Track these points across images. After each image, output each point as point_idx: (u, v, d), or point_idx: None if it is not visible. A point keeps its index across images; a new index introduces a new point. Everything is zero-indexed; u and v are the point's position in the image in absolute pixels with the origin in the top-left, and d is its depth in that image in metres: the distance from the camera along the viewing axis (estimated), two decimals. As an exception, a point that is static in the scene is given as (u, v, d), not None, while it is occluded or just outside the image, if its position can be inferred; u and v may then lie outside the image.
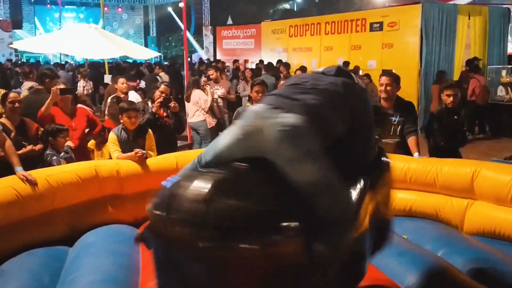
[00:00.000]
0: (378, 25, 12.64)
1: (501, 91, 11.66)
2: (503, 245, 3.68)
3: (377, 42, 12.58)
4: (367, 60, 12.78)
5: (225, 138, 2.38)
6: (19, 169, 3.81)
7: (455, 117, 4.89)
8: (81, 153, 5.18)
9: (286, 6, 39.38)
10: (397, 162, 4.35)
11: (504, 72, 11.85)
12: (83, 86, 10.70)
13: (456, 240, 3.78)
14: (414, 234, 3.95)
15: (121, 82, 6.86)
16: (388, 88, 4.66)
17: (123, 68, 14.56)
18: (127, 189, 4.45)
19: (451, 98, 4.83)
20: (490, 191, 3.86)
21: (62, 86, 5.27)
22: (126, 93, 6.85)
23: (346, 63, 12.35)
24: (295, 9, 35.71)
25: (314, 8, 31.33)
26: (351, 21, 13.44)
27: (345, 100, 2.33)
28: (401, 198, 4.35)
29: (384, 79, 4.71)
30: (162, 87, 5.50)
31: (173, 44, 34.72)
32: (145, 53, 10.40)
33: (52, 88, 5.05)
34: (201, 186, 2.02)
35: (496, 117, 11.08)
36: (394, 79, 4.74)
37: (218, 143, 2.42)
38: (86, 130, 5.54)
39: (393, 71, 5.16)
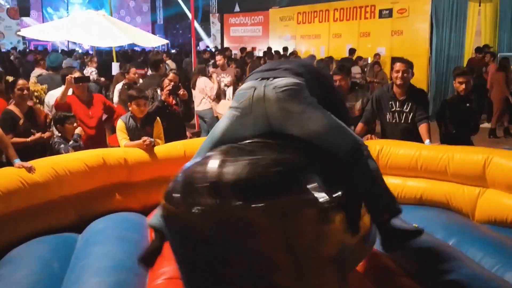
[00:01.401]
0: (387, 11, 12.51)
1: (512, 80, 11.52)
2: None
3: (387, 29, 12.46)
4: (376, 47, 12.67)
5: (223, 122, 2.43)
6: (16, 161, 3.79)
7: (467, 104, 4.82)
8: (99, 141, 5.13)
9: (295, -6, 39.10)
10: (408, 150, 4.33)
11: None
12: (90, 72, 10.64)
13: (468, 229, 3.73)
14: (425, 222, 3.86)
15: (133, 72, 6.77)
16: (405, 74, 4.60)
17: (131, 56, 14.53)
18: (135, 177, 4.44)
19: (463, 86, 4.76)
20: (502, 179, 3.80)
21: (77, 75, 5.22)
22: (136, 83, 6.79)
23: (353, 50, 12.27)
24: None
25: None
26: (360, 7, 13.30)
27: (317, 76, 2.55)
28: (411, 186, 4.32)
29: (400, 66, 4.65)
30: (171, 75, 5.47)
31: (180, 32, 34.56)
32: (153, 41, 10.35)
33: (67, 77, 5.00)
34: (210, 160, 2.04)
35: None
36: (409, 66, 4.69)
37: (216, 130, 2.46)
38: (104, 117, 5.50)
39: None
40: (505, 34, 12.35)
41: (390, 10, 12.40)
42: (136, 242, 3.61)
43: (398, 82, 4.62)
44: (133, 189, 4.43)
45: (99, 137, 5.28)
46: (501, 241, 3.46)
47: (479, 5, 11.93)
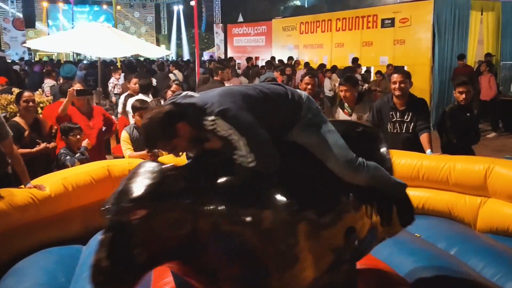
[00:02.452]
0: (389, 21, 12.57)
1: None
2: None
3: (389, 38, 12.52)
4: (378, 56, 12.73)
5: None
6: (28, 184, 3.85)
7: (468, 114, 4.85)
8: (99, 152, 5.21)
9: (297, 2, 39.32)
10: (409, 159, 4.36)
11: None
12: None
13: (470, 239, 3.75)
14: (427, 232, 3.93)
15: (134, 83, 6.88)
16: (402, 85, 4.64)
17: (135, 66, 14.63)
18: (139, 187, 4.47)
19: (463, 95, 4.80)
20: (503, 188, 3.82)
21: (78, 87, 5.29)
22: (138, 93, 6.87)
23: (356, 59, 12.32)
24: (306, 6, 35.64)
25: (325, 4, 31.23)
26: (362, 17, 13.37)
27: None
28: (413, 195, 4.25)
29: (397, 77, 4.69)
30: (174, 86, 5.54)
31: (186, 42, 34.80)
32: (157, 51, 10.44)
33: (69, 90, 5.08)
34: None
35: (509, 114, 10.96)
36: (407, 76, 4.73)
37: None
38: (103, 129, 5.58)
39: (405, 67, 5.13)
40: (507, 42, 12.40)
41: (393, 20, 12.46)
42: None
43: (397, 93, 4.67)
44: (138, 200, 4.47)
45: (99, 147, 5.37)
46: (502, 251, 3.48)
47: (481, 14, 11.98)
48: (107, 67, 14.20)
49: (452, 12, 11.45)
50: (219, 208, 2.17)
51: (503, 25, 12.24)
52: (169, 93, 5.45)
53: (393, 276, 3.19)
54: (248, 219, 2.16)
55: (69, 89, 5.08)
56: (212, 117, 2.21)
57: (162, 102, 5.51)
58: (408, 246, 3.49)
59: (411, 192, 4.28)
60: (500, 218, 3.84)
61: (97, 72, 10.44)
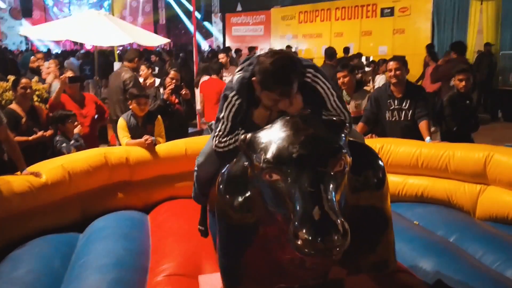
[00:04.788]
0: (389, 10, 12.51)
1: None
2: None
3: (388, 27, 12.46)
4: (378, 46, 12.67)
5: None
6: (24, 171, 3.81)
7: (467, 101, 4.82)
8: (92, 140, 5.20)
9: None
10: (408, 147, 4.34)
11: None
12: None
13: (468, 226, 3.73)
14: (425, 219, 3.92)
15: (142, 69, 6.64)
16: (397, 72, 4.60)
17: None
18: (136, 175, 4.47)
19: (463, 83, 4.76)
20: (503, 176, 3.79)
21: (70, 74, 5.26)
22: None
23: (347, 49, 12.12)
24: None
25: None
26: (362, 6, 13.30)
27: None
28: (412, 183, 4.33)
29: (393, 64, 4.65)
30: (172, 73, 5.48)
31: (183, 31, 34.55)
32: (155, 40, 10.34)
33: (61, 77, 5.06)
34: None
35: (509, 103, 10.93)
36: (403, 63, 4.69)
37: (209, 142, 2.60)
38: (95, 117, 5.54)
39: (405, 57, 5.08)
40: (507, 32, 12.28)
41: (392, 9, 12.40)
42: (136, 239, 3.64)
43: (393, 80, 4.63)
44: (135, 188, 4.46)
45: (93, 135, 5.37)
46: (502, 238, 3.46)
47: (481, 3, 11.89)
48: (107, 57, 14.13)
49: (452, 1, 11.39)
50: None
51: (503, 14, 12.11)
52: (168, 80, 5.39)
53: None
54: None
55: (61, 76, 5.05)
56: (311, 69, 2.28)
57: (161, 90, 5.48)
58: (406, 233, 3.47)
59: (411, 180, 4.33)
60: (500, 206, 3.82)
61: (92, 61, 10.40)
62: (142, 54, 6.63)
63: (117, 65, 9.58)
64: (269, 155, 1.89)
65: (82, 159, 4.16)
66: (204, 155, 2.63)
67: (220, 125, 2.33)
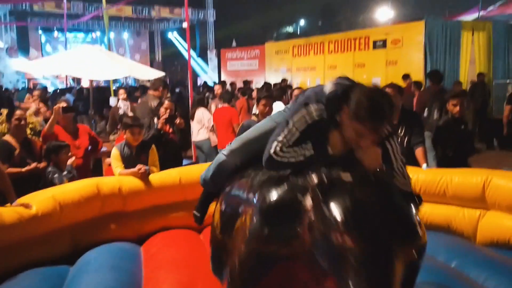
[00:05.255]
0: (381, 42, 12.65)
1: (508, 110, 11.53)
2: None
3: (381, 59, 12.57)
4: (371, 78, 12.75)
5: (257, 129, 2.55)
6: (14, 203, 3.73)
7: (462, 126, 4.80)
8: (85, 172, 5.12)
9: (289, 29, 39.76)
10: (406, 174, 4.28)
11: (510, 87, 11.76)
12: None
13: (470, 251, 3.66)
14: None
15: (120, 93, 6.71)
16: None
17: (129, 91, 14.60)
18: (130, 205, 4.38)
19: (457, 108, 4.76)
20: (502, 200, 3.74)
21: (64, 104, 5.24)
22: None
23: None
24: (298, 32, 35.99)
25: (317, 31, 31.54)
26: (354, 39, 13.46)
27: None
28: (411, 210, 4.25)
29: (388, 91, 4.64)
30: (166, 103, 5.46)
31: (179, 68, 34.93)
32: (150, 73, 10.39)
33: (54, 107, 5.04)
34: None
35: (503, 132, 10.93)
36: (398, 91, 4.69)
37: (249, 133, 2.60)
38: (89, 148, 5.49)
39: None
40: (499, 61, 12.47)
41: (384, 41, 12.55)
42: (128, 271, 3.54)
43: None
44: (128, 218, 4.37)
45: (86, 167, 5.31)
46: (504, 262, 3.39)
47: (472, 34, 12.07)
48: (103, 92, 14.19)
49: (443, 32, 11.55)
50: None
51: (494, 44, 12.32)
52: (162, 110, 5.37)
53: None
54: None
55: (54, 107, 5.03)
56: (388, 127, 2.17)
57: (155, 119, 5.45)
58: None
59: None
60: (500, 231, 3.75)
61: (86, 98, 10.41)
62: (166, 84, 6.84)
63: (112, 100, 9.61)
64: (350, 216, 1.72)
65: (73, 189, 4.08)
66: (241, 141, 2.57)
67: (286, 132, 2.13)
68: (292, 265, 1.97)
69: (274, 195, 2.03)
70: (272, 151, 2.12)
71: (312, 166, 2.02)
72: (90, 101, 9.44)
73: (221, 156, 2.66)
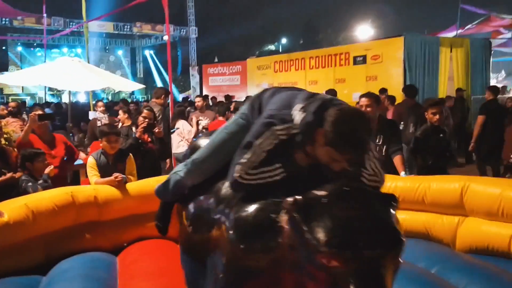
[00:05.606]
0: (361, 58, 12.75)
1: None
2: (497, 262, 3.53)
3: (361, 75, 12.67)
4: (352, 93, 12.83)
5: (212, 144, 2.47)
6: None
7: (441, 135, 4.83)
8: (60, 182, 4.98)
9: (271, 47, 40.12)
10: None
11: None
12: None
13: (450, 257, 3.64)
14: (405, 253, 3.79)
15: (120, 114, 6.62)
16: (368, 109, 4.61)
17: (108, 106, 14.49)
18: (106, 215, 4.28)
19: (437, 116, 4.79)
20: (480, 206, 3.74)
21: (40, 112, 5.14)
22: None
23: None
24: (280, 50, 36.30)
25: (299, 48, 31.85)
26: (335, 55, 13.56)
27: None
28: (390, 218, 4.23)
29: (364, 101, 4.67)
30: (145, 111, 5.40)
31: (161, 85, 34.89)
32: (129, 85, 10.33)
33: (30, 114, 4.94)
34: None
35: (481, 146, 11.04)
36: (375, 100, 4.71)
37: (204, 151, 2.50)
38: (65, 158, 5.38)
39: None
40: (477, 77, 12.66)
41: (364, 57, 12.65)
42: (103, 280, 3.44)
43: None
44: (104, 228, 4.26)
45: (62, 177, 5.21)
46: (484, 268, 3.38)
47: (450, 51, 12.25)
48: (82, 107, 14.05)
49: (422, 48, 11.69)
50: None
51: (472, 60, 12.51)
52: (140, 118, 5.31)
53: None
54: None
55: (30, 114, 4.93)
56: None
57: (134, 128, 5.38)
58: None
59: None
60: (479, 237, 3.74)
61: (64, 112, 10.27)
62: (168, 92, 7.00)
63: (92, 114, 9.49)
64: (333, 237, 1.66)
65: (47, 198, 3.97)
66: (197, 161, 2.48)
67: (251, 154, 2.04)
68: (275, 273, 1.92)
69: (247, 213, 1.98)
70: (236, 175, 2.05)
71: (284, 184, 1.98)
72: (69, 115, 9.30)
73: (177, 176, 2.59)
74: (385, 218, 1.79)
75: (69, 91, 8.70)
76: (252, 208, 1.98)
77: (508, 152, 6.59)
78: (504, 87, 16.95)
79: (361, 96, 4.83)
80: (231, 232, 1.99)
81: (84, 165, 5.84)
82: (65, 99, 18.88)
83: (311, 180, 1.89)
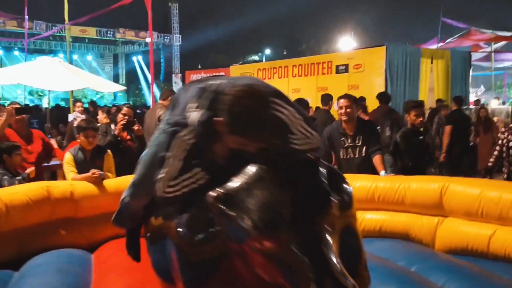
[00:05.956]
0: (344, 67, 12.83)
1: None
2: (476, 262, 3.53)
3: (343, 83, 12.73)
4: (334, 101, 12.89)
5: (144, 161, 2.37)
6: None
7: (421, 137, 4.85)
8: (37, 178, 4.87)
9: (255, 57, 40.28)
10: (364, 182, 4.27)
11: (467, 113, 12.09)
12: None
13: (429, 256, 3.63)
14: (385, 253, 3.78)
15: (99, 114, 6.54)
16: (348, 110, 4.64)
17: (88, 110, 14.34)
18: (82, 211, 4.19)
19: (420, 118, 4.83)
20: (459, 206, 3.75)
21: (17, 106, 5.02)
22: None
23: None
24: (264, 61, 36.45)
25: (282, 59, 32.01)
26: (318, 64, 13.63)
27: None
28: (370, 218, 4.24)
29: (343, 102, 4.69)
30: (125, 109, 5.33)
31: (143, 92, 34.72)
32: (109, 86, 10.20)
33: (7, 108, 4.82)
34: None
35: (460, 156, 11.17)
36: (354, 101, 4.74)
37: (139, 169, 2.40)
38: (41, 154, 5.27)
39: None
40: (457, 89, 12.82)
41: (347, 66, 12.74)
42: (77, 275, 3.36)
43: (344, 118, 4.66)
44: (80, 225, 4.17)
45: (38, 173, 5.03)
46: (464, 266, 3.37)
47: (431, 63, 12.41)
48: (63, 111, 13.86)
49: (404, 58, 11.82)
50: None
51: (452, 72, 12.69)
52: (120, 116, 5.23)
53: None
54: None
55: (7, 107, 4.81)
56: (273, 98, 2.00)
57: (112, 126, 5.30)
58: (367, 263, 3.32)
59: (368, 215, 4.23)
60: (458, 237, 3.74)
61: (43, 115, 10.12)
62: (174, 92, 6.80)
63: (71, 117, 9.36)
64: (257, 219, 1.63)
65: (22, 191, 3.87)
66: (135, 181, 2.39)
67: (167, 166, 2.00)
68: (228, 265, 1.88)
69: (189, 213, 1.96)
70: (160, 192, 2.02)
71: (212, 183, 1.93)
72: (47, 116, 9.16)
73: (124, 202, 2.52)
74: (310, 183, 1.77)
75: (49, 91, 8.54)
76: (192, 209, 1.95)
77: (484, 163, 6.67)
78: (478, 101, 17.21)
79: (340, 97, 4.85)
80: (179, 229, 1.96)
81: (61, 166, 5.74)
82: (46, 104, 18.61)
83: (236, 170, 1.85)
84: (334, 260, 1.60)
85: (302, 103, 8.72)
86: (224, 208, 1.74)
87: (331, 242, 1.64)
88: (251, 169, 1.78)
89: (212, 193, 1.77)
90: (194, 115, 2.00)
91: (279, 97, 2.04)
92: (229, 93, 1.91)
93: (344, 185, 2.09)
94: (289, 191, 1.68)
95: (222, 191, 1.76)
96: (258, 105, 1.89)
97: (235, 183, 1.77)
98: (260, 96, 1.93)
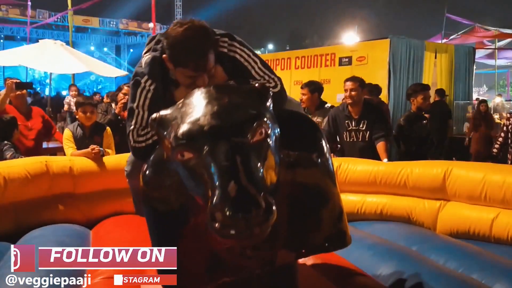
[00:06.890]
0: (347, 59, 12.76)
1: (466, 127, 11.86)
2: (478, 245, 3.49)
3: (346, 76, 12.50)
4: (336, 94, 12.83)
5: None
6: None
7: (424, 121, 4.81)
8: (36, 154, 4.84)
9: (258, 52, 40.23)
10: (366, 165, 4.23)
11: (470, 108, 12.07)
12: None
13: (429, 237, 3.60)
14: (385, 234, 3.75)
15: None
16: (352, 93, 4.59)
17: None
18: (80, 187, 4.15)
19: (427, 102, 4.79)
20: (462, 190, 3.70)
21: (17, 81, 4.99)
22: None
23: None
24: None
25: (285, 53, 31.96)
26: (321, 55, 13.57)
27: None
28: (371, 201, 4.19)
29: (348, 85, 4.65)
30: (125, 88, 5.28)
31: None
32: (111, 71, 10.12)
33: (7, 82, 4.78)
34: None
35: (462, 150, 11.16)
36: (360, 84, 4.68)
37: None
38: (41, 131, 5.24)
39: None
40: (459, 84, 12.78)
41: (350, 58, 12.67)
42: (74, 246, 3.30)
43: (349, 101, 4.61)
44: (78, 201, 4.13)
45: (37, 150, 5.06)
46: (464, 247, 3.33)
47: (435, 56, 12.34)
48: (63, 99, 13.85)
49: (407, 51, 11.75)
50: None
51: (455, 67, 12.63)
52: (120, 95, 5.19)
53: (349, 265, 2.99)
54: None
55: (7, 82, 4.78)
56: (225, 38, 2.10)
57: (113, 105, 5.27)
58: (366, 241, 3.31)
59: (369, 198, 4.19)
60: (461, 221, 3.69)
61: (44, 103, 10.07)
62: None
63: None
64: (179, 131, 1.65)
65: (20, 165, 3.84)
66: (131, 163, 2.36)
67: (135, 117, 2.05)
68: (197, 220, 1.84)
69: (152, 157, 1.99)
70: (131, 143, 2.07)
71: None
72: (48, 101, 9.12)
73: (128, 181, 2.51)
74: (243, 103, 1.71)
75: (50, 75, 8.50)
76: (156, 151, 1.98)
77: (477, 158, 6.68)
78: (478, 99, 17.21)
79: (346, 80, 4.80)
80: (142, 174, 1.98)
81: (61, 148, 5.71)
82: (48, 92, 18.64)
83: None
84: (248, 169, 1.55)
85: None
86: (158, 129, 1.77)
87: (252, 156, 1.59)
88: (192, 93, 1.78)
89: (152, 116, 1.79)
90: (145, 58, 2.10)
91: (231, 38, 2.13)
92: (172, 33, 1.96)
93: (317, 133, 2.03)
94: (215, 106, 1.67)
95: (158, 114, 1.78)
96: (201, 37, 1.94)
97: (173, 106, 1.79)
98: (204, 28, 1.98)
